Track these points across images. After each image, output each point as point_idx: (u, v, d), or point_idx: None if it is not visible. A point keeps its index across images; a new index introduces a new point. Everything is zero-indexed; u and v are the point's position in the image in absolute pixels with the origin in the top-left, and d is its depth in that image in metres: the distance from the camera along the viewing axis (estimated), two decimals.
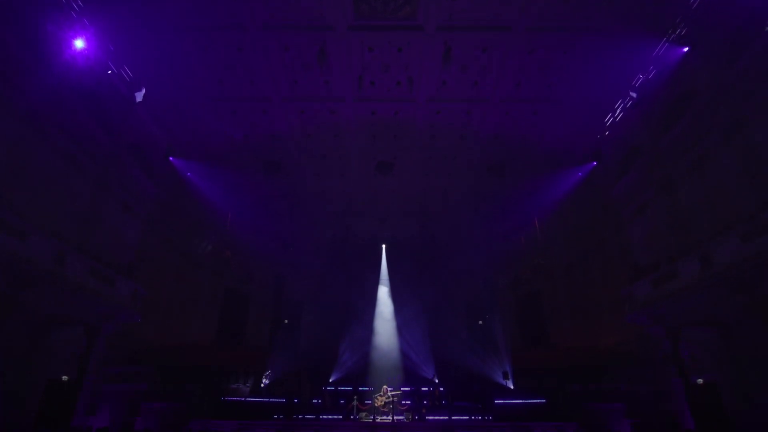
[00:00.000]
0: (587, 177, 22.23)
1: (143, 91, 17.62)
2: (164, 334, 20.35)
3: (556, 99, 20.15)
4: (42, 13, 13.65)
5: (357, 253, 28.90)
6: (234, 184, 23.57)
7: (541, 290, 25.51)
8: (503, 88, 19.59)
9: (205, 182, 22.42)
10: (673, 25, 15.81)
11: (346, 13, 16.17)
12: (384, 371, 23.19)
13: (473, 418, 17.22)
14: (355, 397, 17.87)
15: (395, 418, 16.65)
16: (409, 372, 23.80)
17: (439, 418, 16.93)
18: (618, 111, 19.50)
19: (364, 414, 17.49)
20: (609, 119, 20.18)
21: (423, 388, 21.00)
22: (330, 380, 23.38)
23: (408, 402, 18.24)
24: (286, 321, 26.99)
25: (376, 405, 17.29)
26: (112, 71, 16.64)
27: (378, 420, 16.56)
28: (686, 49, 15.48)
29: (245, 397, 19.07)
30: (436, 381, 23.71)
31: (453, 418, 16.88)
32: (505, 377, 22.40)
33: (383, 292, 28.07)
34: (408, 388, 20.05)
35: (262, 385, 22.66)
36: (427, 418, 16.87)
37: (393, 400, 17.26)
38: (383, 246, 29.23)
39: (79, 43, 14.64)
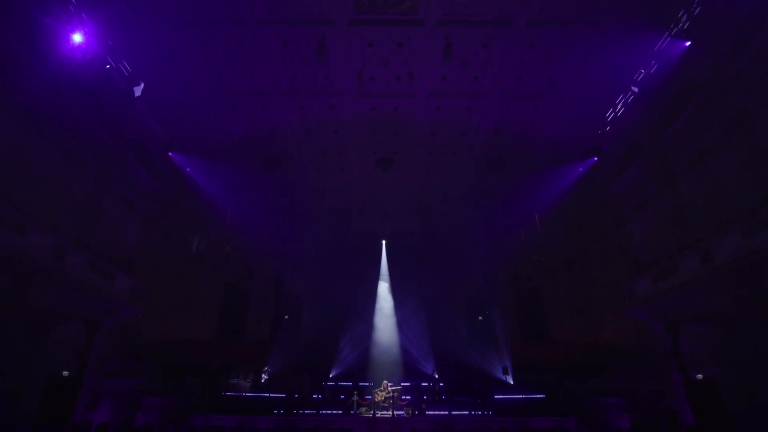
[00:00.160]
0: (588, 172, 22.15)
1: (142, 85, 17.51)
2: (164, 330, 20.35)
3: (556, 94, 20.06)
4: (39, 6, 13.53)
5: (357, 248, 28.89)
6: (234, 180, 23.51)
7: (541, 286, 25.50)
8: (504, 84, 19.50)
9: (205, 178, 22.36)
10: (675, 19, 15.70)
11: (346, 7, 16.07)
12: (384, 367, 23.23)
13: (473, 413, 17.25)
14: (355, 393, 17.91)
15: (395, 413, 16.68)
16: (409, 367, 23.83)
17: (439, 413, 16.96)
18: (619, 106, 19.41)
19: (364, 409, 17.53)
20: (610, 114, 20.08)
21: (423, 384, 21.02)
22: (330, 375, 23.43)
23: (408, 397, 18.28)
24: (287, 317, 27.02)
25: (376, 400, 17.32)
26: (111, 66, 16.54)
27: (378, 415, 16.59)
28: (688, 43, 15.37)
29: (245, 393, 19.10)
30: (436, 376, 23.75)
31: (453, 413, 16.90)
32: (505, 372, 22.45)
33: (383, 288, 28.08)
34: (408, 384, 20.08)
35: (262, 381, 22.72)
36: (427, 413, 16.90)
37: (393, 396, 17.29)
38: (383, 242, 29.21)
39: (77, 37, 14.51)
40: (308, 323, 27.50)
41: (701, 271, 12.46)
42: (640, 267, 15.71)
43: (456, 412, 16.97)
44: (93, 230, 16.33)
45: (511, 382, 21.67)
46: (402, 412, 17.07)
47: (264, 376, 22.90)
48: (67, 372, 13.74)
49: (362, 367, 23.85)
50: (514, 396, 18.17)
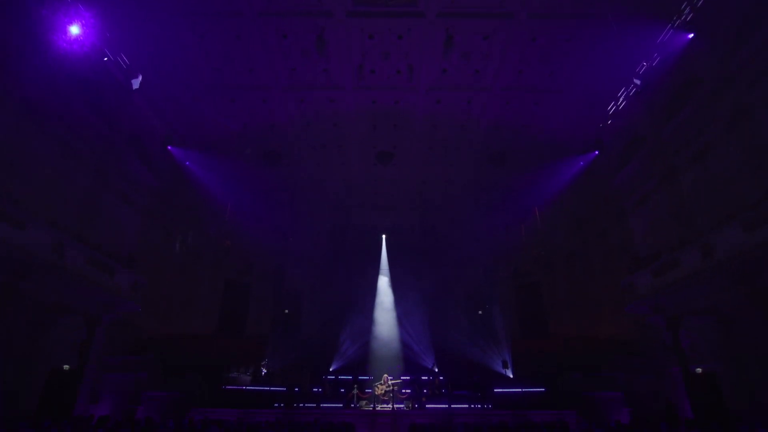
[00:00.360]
0: (588, 167, 22.05)
1: (140, 78, 17.33)
2: (165, 325, 20.39)
3: (558, 87, 19.91)
4: None
5: (357, 242, 28.83)
6: (233, 174, 23.40)
7: (541, 280, 25.50)
8: (505, 77, 19.35)
9: (204, 172, 22.27)
10: (678, 10, 15.52)
11: None
12: (384, 360, 23.26)
13: (473, 406, 17.29)
14: (355, 386, 17.95)
15: (395, 406, 16.74)
16: (409, 361, 23.86)
17: (439, 406, 17.00)
18: (621, 99, 19.24)
19: (364, 402, 17.59)
20: (612, 107, 19.91)
21: (423, 377, 21.06)
22: (330, 369, 23.47)
23: (408, 391, 18.33)
24: (287, 311, 27.04)
25: (376, 393, 17.38)
26: (109, 58, 16.36)
27: (378, 408, 16.65)
28: (691, 35, 15.21)
29: (246, 386, 19.15)
30: (436, 370, 23.80)
31: (453, 406, 16.95)
32: (505, 366, 22.49)
33: (383, 282, 28.08)
34: (408, 377, 20.12)
35: (263, 375, 22.77)
36: (427, 406, 16.95)
37: (393, 389, 17.34)
38: (383, 236, 29.17)
39: (74, 29, 14.32)
40: (308, 318, 27.53)
41: (702, 266, 12.44)
42: (640, 261, 15.69)
43: (456, 406, 17.02)
44: (92, 225, 16.29)
45: (511, 376, 21.72)
46: (402, 406, 17.14)
47: (264, 370, 22.96)
48: (67, 366, 13.77)
49: (362, 360, 23.87)
50: (513, 390, 18.22)
